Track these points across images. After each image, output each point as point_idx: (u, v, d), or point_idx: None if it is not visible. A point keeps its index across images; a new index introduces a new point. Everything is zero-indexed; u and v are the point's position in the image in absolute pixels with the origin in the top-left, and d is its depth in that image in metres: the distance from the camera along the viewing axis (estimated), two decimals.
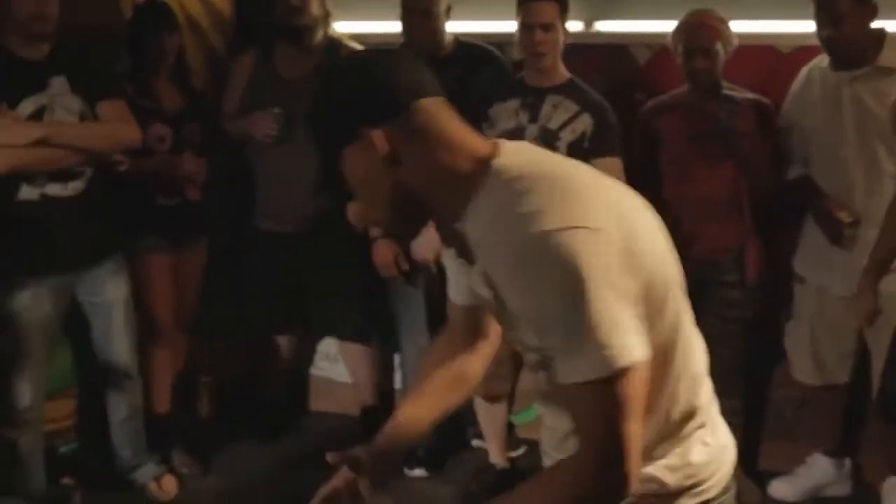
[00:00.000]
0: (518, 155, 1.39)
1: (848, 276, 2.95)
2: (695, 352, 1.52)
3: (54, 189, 2.98)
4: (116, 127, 3.05)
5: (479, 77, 3.32)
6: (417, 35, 3.33)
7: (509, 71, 3.39)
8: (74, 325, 3.23)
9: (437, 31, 3.34)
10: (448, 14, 3.36)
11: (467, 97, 3.17)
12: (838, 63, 2.96)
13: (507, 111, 3.16)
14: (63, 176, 2.99)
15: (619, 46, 3.43)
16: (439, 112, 1.37)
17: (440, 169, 1.36)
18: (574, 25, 3.32)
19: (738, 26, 3.10)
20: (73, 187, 3.01)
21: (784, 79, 3.19)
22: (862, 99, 2.92)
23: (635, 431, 1.29)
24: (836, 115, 2.97)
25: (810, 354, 3.20)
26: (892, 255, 2.79)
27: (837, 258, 3.02)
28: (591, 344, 1.26)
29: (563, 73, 3.17)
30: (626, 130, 3.20)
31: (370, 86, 1.36)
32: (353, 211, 3.50)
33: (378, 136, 1.34)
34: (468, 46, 3.41)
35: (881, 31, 2.93)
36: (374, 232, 3.39)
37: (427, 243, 3.23)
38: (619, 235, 1.29)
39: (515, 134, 3.09)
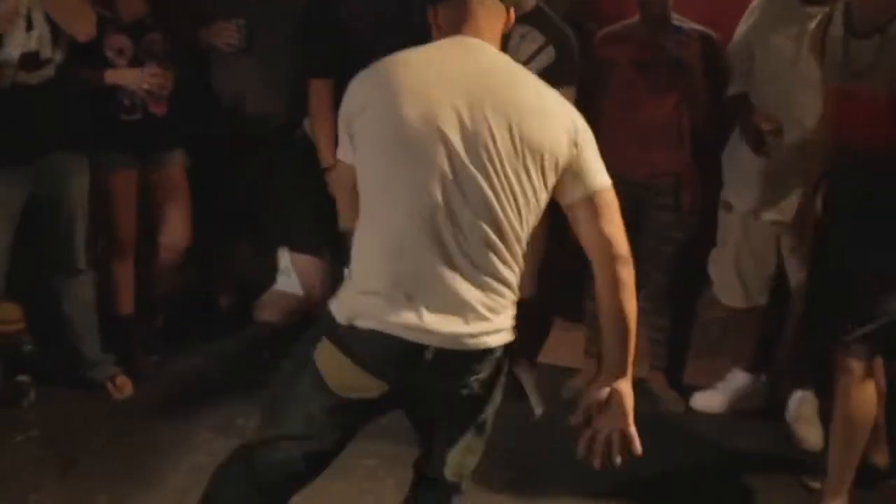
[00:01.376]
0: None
1: (773, 200, 3.08)
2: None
3: (22, 77, 2.96)
4: (76, 4, 3.01)
5: None
6: None
7: None
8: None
9: None
10: None
11: (410, 13, 3.15)
12: None
13: None
14: (32, 63, 2.96)
15: None
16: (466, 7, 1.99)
17: None
18: None
19: None
20: (40, 75, 2.99)
21: (731, 15, 3.25)
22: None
23: None
24: (790, 46, 3.02)
25: (736, 279, 3.32)
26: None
27: (764, 184, 3.13)
28: None
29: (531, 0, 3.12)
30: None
31: None
32: (308, 124, 3.51)
33: (432, 11, 2.05)
34: None
35: None
36: (326, 161, 3.40)
37: None
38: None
39: None
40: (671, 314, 3.43)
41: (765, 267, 3.28)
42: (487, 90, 1.85)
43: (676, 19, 3.21)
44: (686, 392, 3.50)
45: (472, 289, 1.84)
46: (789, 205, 3.07)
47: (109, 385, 3.42)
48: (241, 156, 3.54)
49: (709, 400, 3.46)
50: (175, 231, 3.55)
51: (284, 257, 3.94)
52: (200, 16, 3.47)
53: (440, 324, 1.83)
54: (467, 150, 1.81)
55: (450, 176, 1.81)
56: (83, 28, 3.03)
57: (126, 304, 3.55)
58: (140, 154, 3.38)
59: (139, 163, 3.39)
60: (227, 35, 3.37)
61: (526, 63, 3.04)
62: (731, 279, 3.34)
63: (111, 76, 3.21)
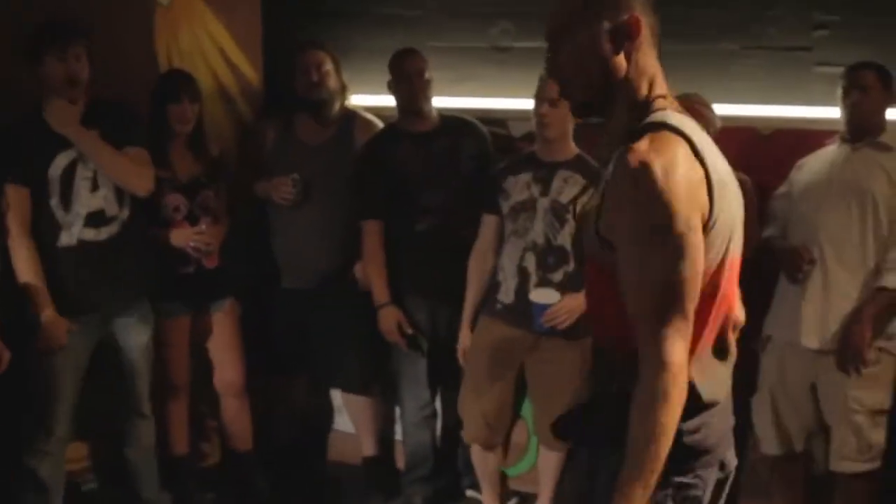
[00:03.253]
0: None
1: (813, 327, 2.97)
2: None
3: (89, 234, 3.04)
4: (132, 166, 3.08)
5: (464, 144, 3.38)
6: (410, 99, 3.34)
7: (487, 138, 3.45)
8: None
9: (428, 94, 3.37)
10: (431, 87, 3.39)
11: (457, 163, 3.34)
12: (850, 135, 2.99)
13: (520, 184, 3.16)
14: (98, 221, 3.05)
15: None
16: None
17: None
18: None
19: (724, 109, 3.14)
20: (106, 231, 3.07)
21: (763, 159, 3.22)
22: (853, 166, 2.96)
23: None
24: (825, 176, 3.01)
25: (772, 425, 3.16)
26: None
27: (805, 311, 3.01)
28: None
29: (573, 149, 3.17)
30: None
31: None
32: (359, 270, 3.52)
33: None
34: (450, 118, 3.45)
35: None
36: (379, 300, 3.38)
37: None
38: None
39: (527, 205, 3.12)
40: None
41: (802, 412, 3.11)
42: None
43: None
44: None
45: None
46: (831, 332, 2.96)
47: None
48: (297, 299, 3.55)
49: None
50: (227, 374, 3.55)
51: (338, 396, 3.88)
52: (257, 170, 3.55)
53: None
54: None
55: None
56: (141, 185, 3.11)
57: (180, 444, 3.52)
58: (192, 303, 3.41)
59: (191, 311, 3.42)
60: (283, 190, 3.43)
61: (570, 203, 3.10)
62: (767, 425, 3.17)
63: (165, 237, 3.28)
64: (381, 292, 3.39)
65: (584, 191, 3.10)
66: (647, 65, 1.69)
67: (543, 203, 3.11)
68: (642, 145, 1.57)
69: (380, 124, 3.58)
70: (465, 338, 3.29)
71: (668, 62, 1.78)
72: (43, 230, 3.01)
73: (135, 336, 3.21)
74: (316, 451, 4.01)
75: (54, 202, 3.01)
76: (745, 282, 3.02)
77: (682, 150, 1.60)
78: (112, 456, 3.37)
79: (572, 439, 1.86)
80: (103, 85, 3.08)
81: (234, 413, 3.61)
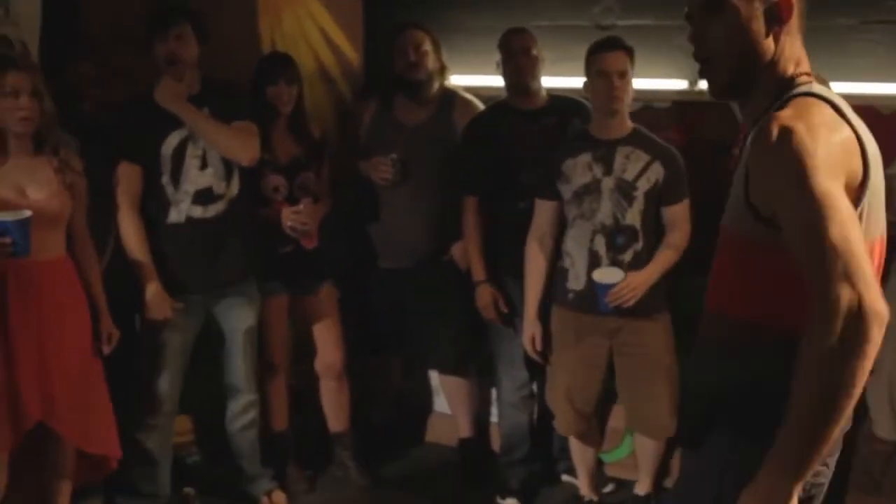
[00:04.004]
0: None
1: None
2: None
3: (197, 211, 3.09)
4: (237, 136, 3.10)
5: (573, 124, 3.29)
6: (516, 76, 3.28)
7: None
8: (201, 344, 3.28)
9: (535, 72, 3.30)
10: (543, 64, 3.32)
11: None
12: None
13: (580, 165, 3.05)
14: (206, 199, 3.09)
15: (722, 104, 3.31)
16: None
17: None
18: (679, 84, 3.28)
19: (841, 87, 2.95)
20: (213, 209, 3.11)
21: (884, 138, 3.02)
22: None
23: None
24: None
25: (889, 408, 2.99)
26: None
27: None
28: None
29: (629, 124, 3.07)
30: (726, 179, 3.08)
31: None
32: (456, 249, 3.49)
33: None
34: (560, 98, 3.37)
35: None
36: (477, 277, 3.35)
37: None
38: None
39: (591, 187, 3.02)
40: None
41: None
42: None
43: None
44: None
45: None
46: None
47: (265, 500, 3.40)
48: (395, 279, 3.54)
49: None
50: (327, 356, 3.56)
51: (435, 377, 3.87)
52: (356, 150, 3.54)
53: None
54: None
55: None
56: (245, 155, 3.12)
57: (279, 421, 3.55)
58: (291, 283, 3.42)
59: (290, 291, 3.43)
60: (381, 170, 3.41)
61: (636, 180, 3.01)
62: (884, 409, 3.00)
63: (266, 216, 3.29)
64: (478, 270, 3.37)
65: (647, 166, 3.01)
66: (794, 48, 1.64)
67: (608, 183, 3.01)
68: (785, 112, 1.51)
69: (480, 105, 3.53)
70: (531, 325, 3.19)
71: None
72: (154, 207, 3.09)
73: (241, 316, 3.25)
74: (413, 432, 4.02)
75: (165, 179, 3.07)
76: None
77: (826, 112, 1.52)
78: (216, 430, 3.43)
79: (697, 436, 1.70)
80: (209, 67, 3.14)
81: (333, 395, 3.63)
